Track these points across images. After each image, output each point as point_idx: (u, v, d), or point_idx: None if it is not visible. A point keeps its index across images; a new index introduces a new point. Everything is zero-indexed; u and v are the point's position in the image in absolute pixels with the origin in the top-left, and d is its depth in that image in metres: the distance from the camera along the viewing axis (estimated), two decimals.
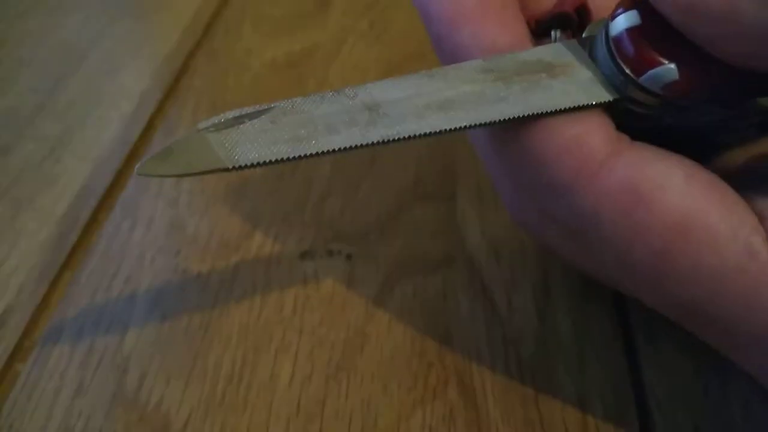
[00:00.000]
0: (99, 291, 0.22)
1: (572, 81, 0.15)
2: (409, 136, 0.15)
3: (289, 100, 0.15)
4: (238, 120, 0.15)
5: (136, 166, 0.14)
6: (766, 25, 0.13)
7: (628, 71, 0.15)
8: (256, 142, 0.15)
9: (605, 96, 0.15)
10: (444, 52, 0.16)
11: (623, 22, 0.15)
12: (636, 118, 0.16)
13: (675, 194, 0.14)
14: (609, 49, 0.15)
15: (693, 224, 0.14)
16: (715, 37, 0.13)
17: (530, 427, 0.18)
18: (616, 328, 0.20)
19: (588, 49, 0.16)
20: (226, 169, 0.14)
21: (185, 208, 0.25)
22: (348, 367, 0.20)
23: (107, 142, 0.28)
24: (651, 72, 0.14)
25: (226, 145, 0.15)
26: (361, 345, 0.20)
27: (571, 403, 0.19)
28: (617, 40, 0.15)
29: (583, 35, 0.16)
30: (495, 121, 0.15)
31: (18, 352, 0.21)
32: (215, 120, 0.15)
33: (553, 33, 0.18)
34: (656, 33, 0.14)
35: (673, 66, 0.14)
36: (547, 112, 0.15)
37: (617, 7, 0.15)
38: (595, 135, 0.15)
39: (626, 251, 0.15)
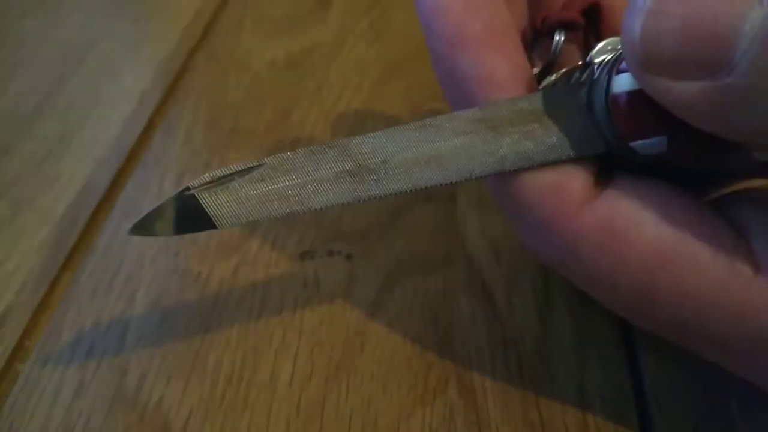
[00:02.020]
0: (99, 291, 0.22)
1: (565, 133, 0.15)
2: (397, 192, 0.15)
3: (278, 156, 0.15)
4: (228, 178, 0.15)
5: (129, 227, 0.15)
6: (755, 123, 0.12)
7: (621, 132, 0.15)
8: (246, 202, 0.15)
9: (595, 149, 0.15)
10: (441, 70, 0.16)
11: (626, 83, 0.14)
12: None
13: (651, 227, 0.14)
14: (607, 103, 0.15)
15: (672, 254, 0.14)
16: (705, 127, 0.13)
17: (530, 427, 0.18)
18: (616, 329, 0.20)
19: (586, 91, 0.15)
20: (216, 228, 0.15)
21: None
22: (348, 368, 0.20)
23: (107, 142, 0.28)
24: (642, 141, 0.14)
25: (217, 204, 0.15)
26: (361, 345, 0.20)
27: (571, 404, 0.19)
28: (617, 98, 0.14)
29: (587, 59, 0.16)
30: (483, 176, 0.15)
31: (18, 352, 0.21)
32: (205, 178, 0.15)
33: (557, 34, 0.18)
34: (654, 100, 0.14)
35: (664, 139, 0.14)
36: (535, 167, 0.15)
37: (623, 60, 0.15)
38: (574, 180, 0.15)
39: (610, 286, 0.15)
